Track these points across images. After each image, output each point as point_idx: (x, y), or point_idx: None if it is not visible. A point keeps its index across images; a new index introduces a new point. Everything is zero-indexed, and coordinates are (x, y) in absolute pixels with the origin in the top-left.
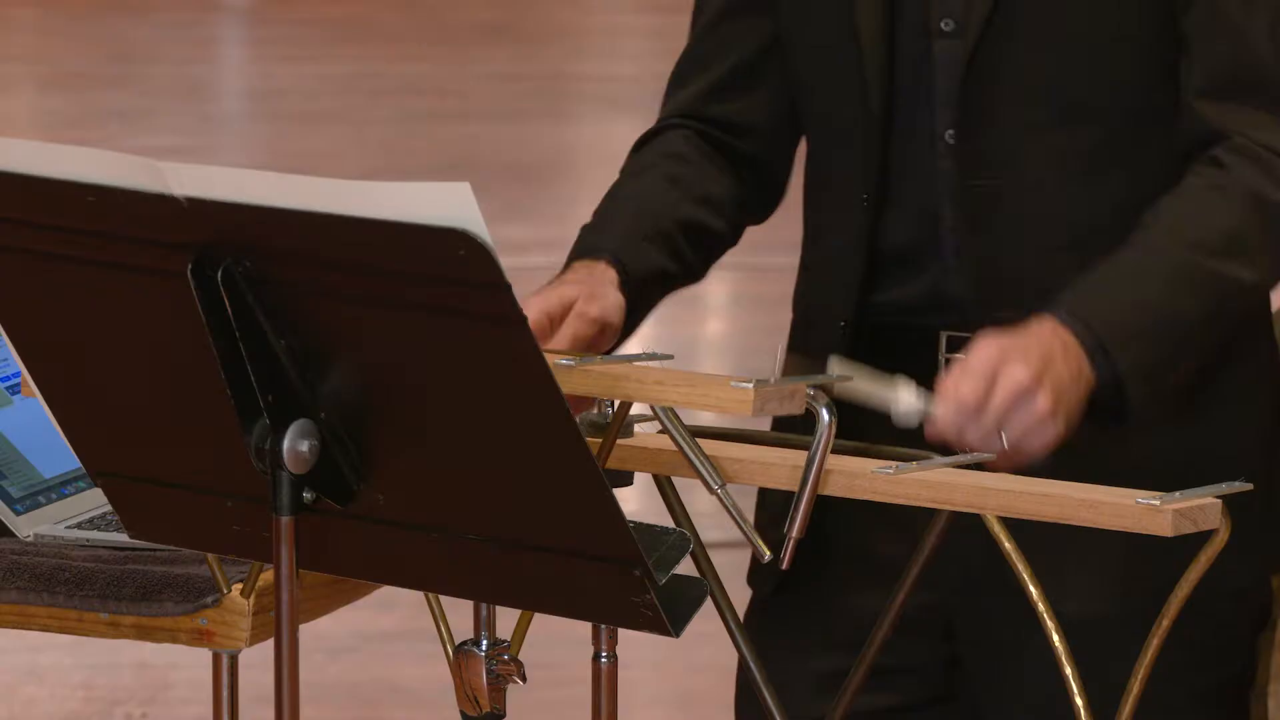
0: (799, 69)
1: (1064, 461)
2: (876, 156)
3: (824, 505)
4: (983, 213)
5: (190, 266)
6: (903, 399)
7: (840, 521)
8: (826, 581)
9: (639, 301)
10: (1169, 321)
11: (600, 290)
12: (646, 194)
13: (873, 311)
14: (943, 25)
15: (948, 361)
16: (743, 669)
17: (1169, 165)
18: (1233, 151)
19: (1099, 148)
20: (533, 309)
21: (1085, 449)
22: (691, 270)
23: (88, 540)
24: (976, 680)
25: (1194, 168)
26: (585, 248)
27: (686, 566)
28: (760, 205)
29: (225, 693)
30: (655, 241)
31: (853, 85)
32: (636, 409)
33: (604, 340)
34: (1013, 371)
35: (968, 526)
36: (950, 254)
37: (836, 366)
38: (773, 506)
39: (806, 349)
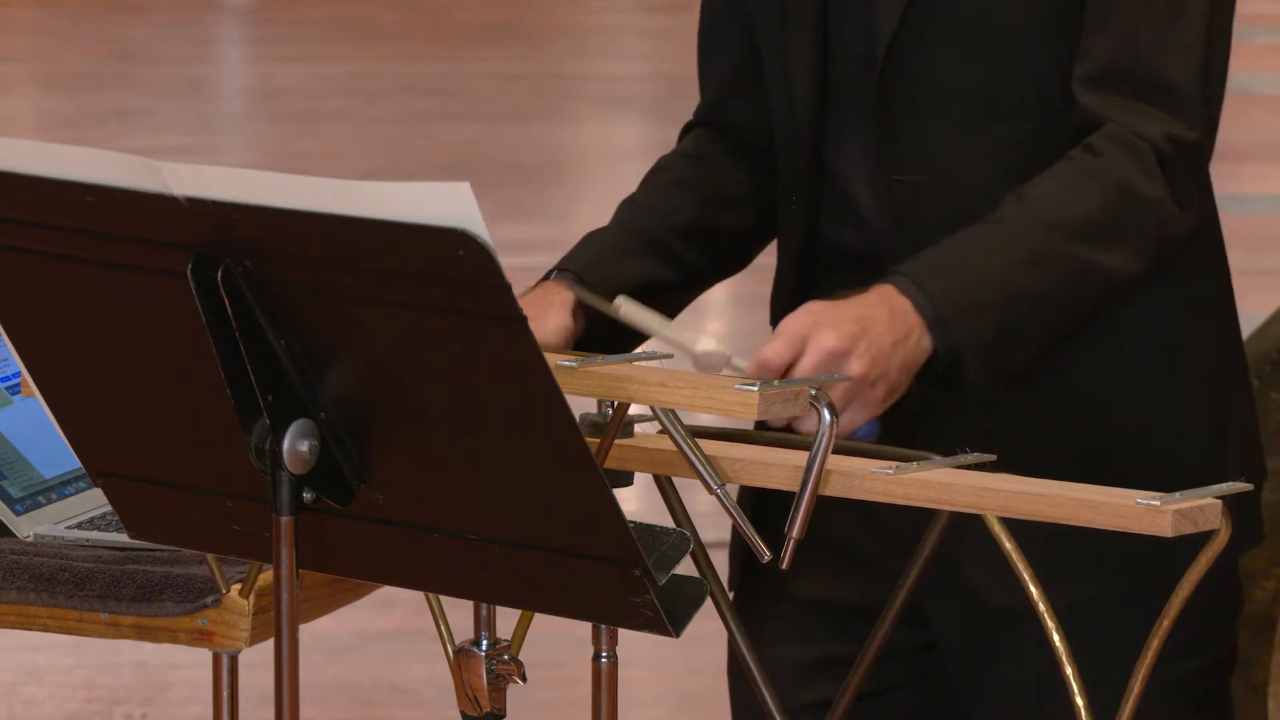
0: (764, 74)
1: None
2: (804, 157)
3: (785, 498)
4: (906, 210)
5: (190, 266)
6: (702, 342)
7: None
8: (795, 573)
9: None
10: (1015, 298)
11: (540, 313)
12: (646, 204)
13: None
14: (885, 25)
15: None
16: (732, 663)
17: None
18: (1107, 138)
19: (1018, 143)
20: None
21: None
22: (700, 273)
23: (88, 540)
24: (953, 665)
25: (1069, 152)
26: (555, 268)
27: (686, 566)
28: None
29: (225, 693)
30: (640, 253)
31: (786, 87)
32: (636, 408)
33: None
34: (822, 338)
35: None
36: (887, 254)
37: (625, 305)
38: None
39: None
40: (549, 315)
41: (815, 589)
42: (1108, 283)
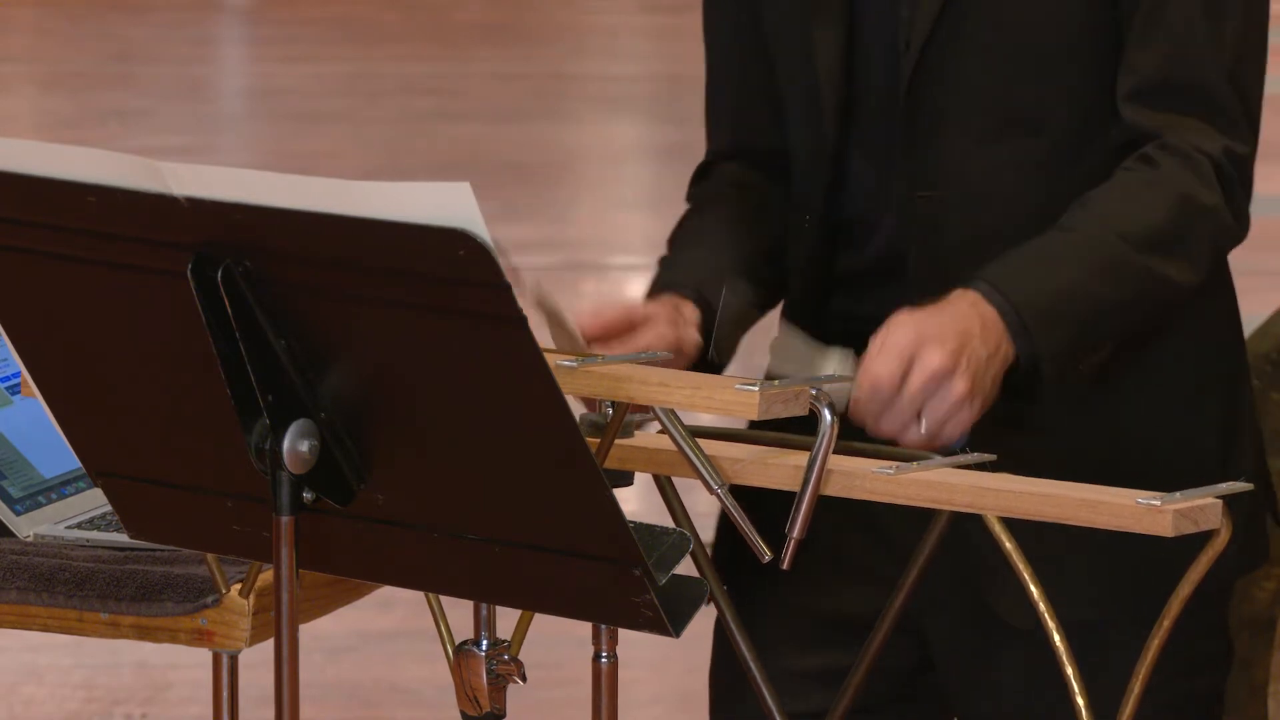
0: (782, 98)
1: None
2: (826, 176)
3: (787, 503)
4: (931, 227)
5: (190, 266)
6: (831, 369)
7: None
8: (794, 581)
9: (733, 333)
10: (1090, 308)
11: (680, 322)
12: (728, 227)
13: (836, 325)
14: (907, 44)
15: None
16: (716, 668)
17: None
18: (1165, 151)
19: (1046, 158)
20: (622, 305)
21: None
22: (773, 295)
23: (88, 540)
24: (949, 684)
25: (1126, 163)
26: (665, 281)
27: (686, 566)
28: None
29: (225, 693)
30: (740, 276)
31: (813, 109)
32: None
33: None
34: (930, 355)
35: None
36: (909, 269)
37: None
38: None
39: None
40: (688, 329)
41: (808, 598)
42: (1172, 293)
